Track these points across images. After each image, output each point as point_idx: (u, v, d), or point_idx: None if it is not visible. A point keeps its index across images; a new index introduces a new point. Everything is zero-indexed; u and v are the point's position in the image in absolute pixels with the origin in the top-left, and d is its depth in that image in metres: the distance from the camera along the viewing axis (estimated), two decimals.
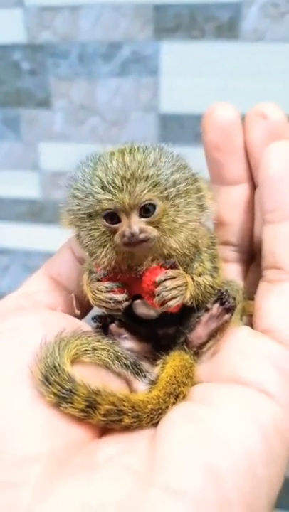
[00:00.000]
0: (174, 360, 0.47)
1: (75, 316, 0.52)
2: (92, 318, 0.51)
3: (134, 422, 0.40)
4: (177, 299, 0.46)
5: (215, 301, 0.49)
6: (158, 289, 0.45)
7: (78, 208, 0.47)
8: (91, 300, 0.48)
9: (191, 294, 0.47)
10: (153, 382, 0.46)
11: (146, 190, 0.44)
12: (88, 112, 1.23)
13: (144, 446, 0.39)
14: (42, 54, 1.21)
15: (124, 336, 0.50)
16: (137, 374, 0.45)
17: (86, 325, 0.49)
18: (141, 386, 0.45)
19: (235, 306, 0.48)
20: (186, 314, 0.50)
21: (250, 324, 0.49)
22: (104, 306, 0.47)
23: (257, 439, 0.38)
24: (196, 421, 0.39)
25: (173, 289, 0.45)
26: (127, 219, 0.44)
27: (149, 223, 0.45)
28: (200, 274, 0.49)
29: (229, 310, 0.48)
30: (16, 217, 1.42)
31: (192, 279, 0.48)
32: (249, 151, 0.52)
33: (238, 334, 0.47)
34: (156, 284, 0.46)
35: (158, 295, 0.45)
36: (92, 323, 0.51)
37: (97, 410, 0.39)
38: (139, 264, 0.47)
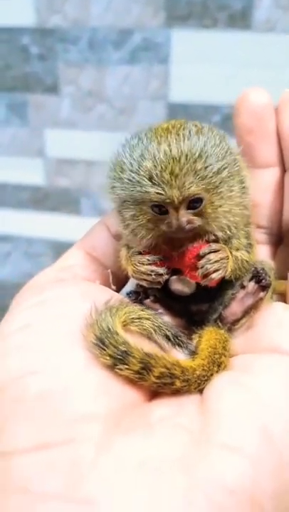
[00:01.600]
0: (210, 334, 0.48)
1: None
2: (128, 294, 0.52)
3: (184, 386, 0.41)
4: (220, 272, 0.47)
5: (251, 279, 0.50)
6: (202, 261, 0.47)
7: (123, 192, 0.47)
8: (131, 273, 0.49)
9: (231, 268, 0.48)
10: (193, 353, 0.46)
11: (194, 186, 0.45)
12: (96, 99, 1.23)
13: (194, 409, 0.40)
14: (51, 39, 1.20)
15: (160, 310, 0.51)
16: (178, 345, 0.47)
17: (125, 298, 0.50)
18: (179, 357, 0.46)
19: (270, 284, 0.49)
20: (219, 291, 0.51)
21: (281, 302, 0.50)
22: (145, 279, 0.48)
23: None
24: (243, 387, 0.41)
25: (216, 261, 0.47)
26: (174, 212, 0.46)
27: (196, 214, 0.46)
28: (237, 249, 0.50)
29: (264, 288, 0.49)
30: (19, 203, 1.42)
31: (230, 253, 0.49)
32: (281, 135, 0.54)
33: (274, 309, 0.48)
34: (200, 257, 0.47)
35: (201, 267, 0.46)
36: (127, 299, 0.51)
37: (151, 372, 0.40)
38: (180, 246, 0.48)
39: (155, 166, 0.45)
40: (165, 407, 0.40)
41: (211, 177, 0.45)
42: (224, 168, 0.46)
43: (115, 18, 1.15)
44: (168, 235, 0.47)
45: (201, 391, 0.43)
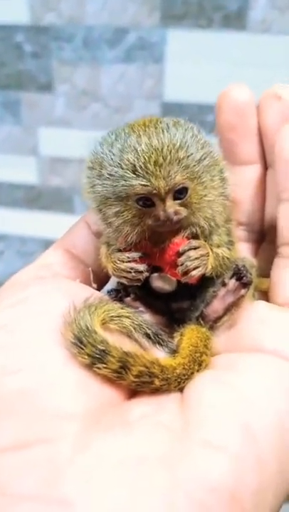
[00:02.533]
0: (192, 333, 0.48)
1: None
2: (108, 292, 0.51)
3: (164, 385, 0.41)
4: (200, 269, 0.47)
5: (232, 276, 0.49)
6: (182, 258, 0.46)
7: (105, 189, 0.47)
8: (111, 271, 0.49)
9: (211, 265, 0.48)
10: (174, 352, 0.46)
11: (179, 175, 0.45)
12: (91, 98, 1.22)
13: (174, 408, 0.40)
14: (46, 37, 1.19)
15: (140, 308, 0.50)
16: (159, 343, 0.46)
17: (105, 296, 0.50)
18: (159, 355, 0.46)
19: (251, 281, 0.49)
20: (200, 288, 0.51)
21: (264, 300, 0.50)
22: (124, 277, 0.48)
23: (285, 402, 0.40)
24: (225, 385, 0.41)
25: (196, 258, 0.46)
26: (161, 203, 0.45)
27: (181, 205, 0.46)
28: (218, 246, 0.50)
29: (246, 285, 0.49)
30: (13, 202, 1.41)
31: (211, 250, 0.49)
32: (263, 131, 0.53)
33: (256, 307, 0.48)
34: (180, 254, 0.46)
35: (181, 265, 0.46)
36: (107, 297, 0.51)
37: (130, 371, 0.40)
38: (164, 241, 0.47)
39: (138, 157, 0.44)
40: (145, 405, 0.40)
41: (194, 166, 0.45)
42: (205, 158, 0.46)
43: (111, 17, 1.14)
44: (153, 230, 0.46)
45: (181, 390, 0.43)
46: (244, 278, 0.49)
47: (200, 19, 1.10)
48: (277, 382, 0.41)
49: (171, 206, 0.45)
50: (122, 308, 0.46)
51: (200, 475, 0.34)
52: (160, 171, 0.44)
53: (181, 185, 0.45)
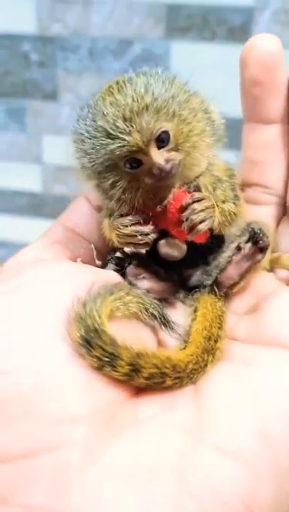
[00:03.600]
0: (206, 308, 0.46)
1: (96, 267, 0.50)
2: (110, 259, 0.49)
3: (176, 384, 0.40)
4: (206, 223, 0.43)
5: (248, 240, 0.47)
6: (186, 213, 0.43)
7: (93, 163, 0.45)
8: (116, 239, 0.46)
9: (218, 220, 0.45)
10: (182, 336, 0.44)
11: (152, 120, 0.42)
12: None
13: (187, 404, 0.38)
14: (52, 46, 1.21)
15: (143, 275, 0.48)
16: (164, 325, 0.44)
17: (109, 272, 0.47)
18: (166, 339, 0.44)
19: (268, 245, 0.47)
20: (211, 253, 0.49)
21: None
22: (131, 242, 0.45)
23: None
24: (242, 382, 0.39)
25: (202, 211, 0.43)
26: (147, 157, 0.42)
27: (170, 150, 0.43)
28: (223, 201, 0.46)
29: (262, 249, 0.47)
30: (16, 209, 1.42)
31: (216, 205, 0.46)
32: None
33: (280, 296, 0.45)
34: (184, 209, 0.43)
35: (186, 220, 0.43)
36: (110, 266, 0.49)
37: (140, 373, 0.38)
38: (166, 196, 0.45)
39: (107, 120, 0.42)
40: (155, 403, 0.38)
41: (166, 106, 0.42)
42: (178, 94, 0.43)
43: (116, 28, 1.16)
44: (157, 187, 0.44)
45: (195, 381, 0.41)
46: (261, 242, 0.46)
47: (204, 32, 1.11)
48: None
49: (159, 155, 0.42)
50: (128, 293, 0.43)
51: (213, 486, 0.32)
52: (132, 125, 0.41)
53: (159, 131, 0.42)
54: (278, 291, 0.46)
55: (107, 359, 0.37)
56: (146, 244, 0.44)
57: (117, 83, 0.44)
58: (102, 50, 1.18)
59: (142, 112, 0.41)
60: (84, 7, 1.16)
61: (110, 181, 0.45)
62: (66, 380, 0.37)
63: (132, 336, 0.40)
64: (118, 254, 0.49)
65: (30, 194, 1.38)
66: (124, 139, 0.41)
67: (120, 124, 0.41)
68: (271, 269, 0.50)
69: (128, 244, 0.45)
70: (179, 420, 0.36)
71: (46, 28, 1.20)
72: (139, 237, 0.44)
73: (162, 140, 0.42)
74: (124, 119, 0.41)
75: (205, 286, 0.49)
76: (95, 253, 0.50)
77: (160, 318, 0.43)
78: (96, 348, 0.37)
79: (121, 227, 0.45)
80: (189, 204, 0.43)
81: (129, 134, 0.41)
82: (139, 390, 0.40)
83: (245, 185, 0.51)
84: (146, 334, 0.43)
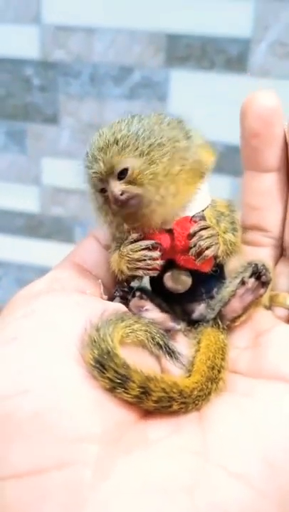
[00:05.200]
0: (209, 340, 0.47)
1: None
2: (115, 291, 0.50)
3: (181, 408, 0.41)
4: (213, 248, 0.46)
5: (251, 275, 0.49)
6: (194, 239, 0.46)
7: (88, 186, 0.49)
8: (125, 265, 0.47)
9: (222, 248, 0.48)
10: (185, 365, 0.46)
11: (116, 155, 0.45)
12: (95, 131, 1.26)
13: (192, 430, 0.39)
14: (54, 71, 1.24)
15: (146, 307, 0.49)
16: (169, 354, 0.45)
17: (116, 304, 0.48)
18: (170, 366, 0.45)
19: (270, 280, 0.49)
20: (214, 288, 0.51)
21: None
22: (139, 267, 0.47)
23: None
24: (244, 413, 0.40)
25: (208, 238, 0.46)
26: (109, 186, 0.46)
27: (129, 183, 0.46)
28: (224, 232, 0.49)
29: (264, 284, 0.49)
30: (13, 229, 1.43)
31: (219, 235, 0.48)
32: None
33: (278, 331, 0.47)
34: (192, 236, 0.46)
35: (194, 246, 0.46)
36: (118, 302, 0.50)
37: (150, 396, 0.39)
38: (149, 224, 0.47)
39: (92, 148, 0.47)
40: (162, 426, 0.40)
41: (136, 144, 0.46)
42: (154, 137, 0.46)
43: (117, 56, 1.19)
44: (124, 212, 0.47)
45: (199, 408, 0.42)
46: (264, 277, 0.49)
47: (202, 61, 1.14)
48: None
49: (116, 186, 0.45)
50: (136, 322, 0.45)
51: (220, 506, 0.34)
52: (100, 156, 0.45)
53: (120, 165, 0.46)
54: (276, 327, 0.48)
55: (119, 381, 0.39)
56: (154, 269, 0.47)
57: (118, 120, 0.48)
58: (103, 76, 1.21)
59: (111, 146, 0.45)
60: (86, 34, 1.19)
61: (98, 205, 0.49)
62: (79, 400, 0.38)
63: (139, 362, 0.41)
64: (122, 286, 0.50)
65: (28, 215, 1.40)
66: (92, 166, 0.46)
67: (96, 153, 0.46)
68: (269, 307, 0.52)
69: (137, 269, 0.47)
70: (185, 443, 0.37)
71: (49, 53, 1.23)
72: (148, 262, 0.46)
73: (123, 173, 0.46)
74: (99, 149, 0.46)
75: (208, 320, 0.51)
76: (102, 288, 0.51)
77: (165, 348, 0.45)
78: (109, 370, 0.39)
79: (130, 252, 0.47)
80: (196, 231, 0.46)
81: (97, 162, 0.46)
82: (146, 414, 0.41)
83: (245, 228, 0.54)
84: (151, 362, 0.45)
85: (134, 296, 0.50)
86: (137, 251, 0.47)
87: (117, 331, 0.42)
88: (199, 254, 0.46)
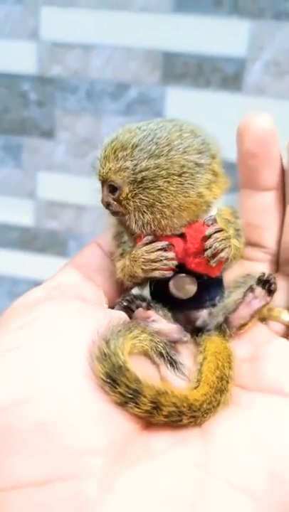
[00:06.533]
0: (217, 347, 0.47)
1: None
2: (118, 303, 0.50)
3: (191, 422, 0.40)
4: (227, 250, 0.46)
5: (258, 283, 0.50)
6: (209, 241, 0.46)
7: None
8: (140, 268, 0.47)
9: (232, 251, 0.48)
10: (195, 378, 0.46)
11: (112, 171, 0.46)
12: (91, 146, 1.26)
13: (194, 442, 0.39)
14: (51, 87, 1.25)
15: (153, 318, 0.49)
16: (171, 365, 0.45)
17: (119, 313, 0.48)
18: (170, 377, 0.45)
19: (276, 290, 0.50)
20: (217, 296, 0.51)
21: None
22: (155, 268, 0.46)
23: None
24: (248, 425, 0.40)
25: (223, 240, 0.46)
26: (102, 190, 0.49)
27: (116, 200, 0.47)
28: (232, 237, 0.50)
29: (271, 292, 0.50)
30: (7, 243, 1.42)
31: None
32: None
33: (277, 345, 0.48)
34: (207, 238, 0.46)
35: (210, 247, 0.45)
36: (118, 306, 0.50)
37: (161, 411, 0.39)
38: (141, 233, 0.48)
39: (104, 145, 0.48)
40: (165, 438, 0.39)
41: (134, 171, 0.45)
42: (152, 168, 0.45)
43: (114, 72, 1.20)
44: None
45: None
46: (273, 285, 0.50)
47: (199, 79, 1.15)
48: None
49: (105, 196, 0.48)
50: (143, 331, 0.44)
51: None
52: (101, 162, 0.47)
53: (111, 182, 0.47)
54: (274, 341, 0.49)
55: (130, 396, 0.38)
56: (170, 269, 0.47)
57: (137, 126, 0.48)
58: (99, 93, 1.22)
59: (112, 160, 0.47)
60: (84, 51, 1.20)
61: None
62: (85, 411, 0.37)
63: (142, 371, 0.41)
64: (126, 297, 0.50)
65: (23, 228, 1.39)
66: (96, 167, 0.49)
67: (101, 156, 0.48)
68: (264, 321, 0.54)
69: (153, 270, 0.47)
70: (189, 455, 0.37)
71: (46, 69, 1.23)
72: (165, 262, 0.46)
73: (113, 189, 0.47)
74: (104, 156, 0.47)
75: (209, 329, 0.51)
76: (103, 297, 0.51)
77: (167, 357, 0.45)
78: (121, 385, 0.38)
79: (145, 254, 0.47)
80: (212, 233, 0.46)
81: (98, 166, 0.48)
82: (149, 425, 0.40)
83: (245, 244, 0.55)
84: (152, 370, 0.45)
85: (138, 306, 0.49)
86: (152, 252, 0.47)
87: (126, 343, 0.41)
88: (214, 256, 0.46)
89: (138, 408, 0.38)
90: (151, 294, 0.51)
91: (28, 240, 1.40)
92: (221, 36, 1.12)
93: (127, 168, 0.46)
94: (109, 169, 0.46)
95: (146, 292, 0.52)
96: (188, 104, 1.16)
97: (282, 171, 0.55)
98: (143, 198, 0.46)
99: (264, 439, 0.39)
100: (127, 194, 0.46)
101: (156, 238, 0.47)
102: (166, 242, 0.47)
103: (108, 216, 0.51)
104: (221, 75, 1.14)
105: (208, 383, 0.44)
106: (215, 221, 0.48)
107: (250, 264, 0.56)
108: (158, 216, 0.46)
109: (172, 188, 0.46)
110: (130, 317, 0.49)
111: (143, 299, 0.50)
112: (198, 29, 1.13)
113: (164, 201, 0.46)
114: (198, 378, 0.45)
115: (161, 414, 0.39)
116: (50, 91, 1.25)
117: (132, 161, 0.46)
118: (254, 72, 1.13)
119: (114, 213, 0.48)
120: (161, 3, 1.13)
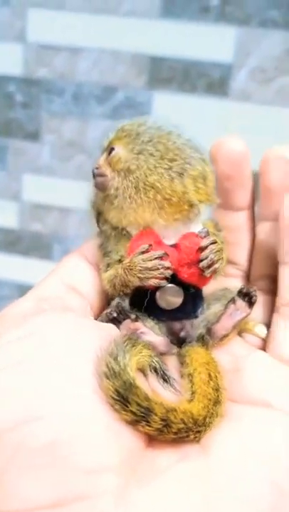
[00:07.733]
0: (204, 358, 0.48)
1: None
2: (108, 313, 0.49)
3: (196, 437, 0.40)
4: (221, 262, 0.48)
5: (240, 295, 0.51)
6: (205, 252, 0.47)
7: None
8: (136, 276, 0.46)
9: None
10: (190, 390, 0.45)
11: (114, 137, 0.50)
12: (76, 149, 1.26)
13: (196, 456, 0.39)
14: (37, 89, 1.24)
15: (142, 330, 0.48)
16: (164, 380, 0.45)
17: (109, 325, 0.47)
18: (157, 385, 0.44)
19: (255, 302, 0.51)
20: (199, 307, 0.52)
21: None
22: (153, 277, 0.46)
23: None
24: (243, 437, 0.41)
25: (218, 251, 0.47)
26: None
27: (108, 163, 0.50)
28: None
29: (251, 304, 0.51)
30: None
31: None
32: (266, 191, 0.55)
33: (258, 357, 0.49)
34: (203, 249, 0.47)
35: (206, 258, 0.46)
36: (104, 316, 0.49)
37: (170, 429, 0.38)
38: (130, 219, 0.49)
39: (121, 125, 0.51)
40: (169, 453, 0.39)
41: (134, 141, 0.49)
42: (151, 143, 0.48)
43: (100, 76, 1.20)
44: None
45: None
46: (253, 298, 0.50)
47: (185, 84, 1.16)
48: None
49: (100, 159, 0.50)
50: (144, 347, 0.44)
51: None
52: (113, 133, 0.51)
53: (113, 146, 0.49)
54: (253, 354, 0.50)
55: (142, 414, 0.38)
56: (166, 278, 0.47)
57: (164, 128, 0.51)
58: (86, 96, 1.22)
59: (122, 136, 0.50)
60: (71, 54, 1.20)
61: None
62: (95, 428, 0.37)
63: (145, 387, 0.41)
64: (112, 309, 0.49)
65: (7, 230, 1.38)
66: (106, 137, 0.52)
67: (117, 129, 0.51)
68: (239, 334, 0.54)
69: (149, 278, 0.47)
70: (193, 470, 0.37)
71: (33, 71, 1.23)
72: (162, 271, 0.46)
73: (110, 152, 0.50)
74: (117, 129, 0.51)
75: (190, 341, 0.51)
76: (88, 308, 0.50)
77: (160, 373, 0.45)
78: (132, 404, 0.38)
79: (142, 262, 0.47)
80: (208, 245, 0.47)
81: (107, 137, 0.51)
82: (151, 440, 0.40)
83: None
84: (146, 385, 0.44)
85: (124, 318, 0.49)
86: (150, 260, 0.46)
87: (132, 359, 0.41)
88: (210, 266, 0.47)
89: (149, 426, 0.38)
90: (131, 304, 0.50)
91: (12, 243, 1.39)
92: (208, 42, 1.13)
93: (131, 141, 0.49)
94: (116, 138, 0.50)
95: (126, 303, 0.51)
96: (174, 109, 1.17)
97: (253, 191, 0.57)
98: (132, 166, 0.48)
99: (263, 451, 0.40)
100: (123, 155, 0.49)
101: (150, 247, 0.47)
102: (163, 251, 0.47)
103: (93, 222, 0.51)
104: (207, 80, 1.15)
105: (204, 395, 0.43)
106: (208, 233, 0.49)
107: (225, 279, 0.56)
108: (142, 195, 0.48)
109: (160, 170, 0.47)
110: (118, 328, 0.48)
111: (129, 311, 0.49)
112: (185, 34, 1.14)
113: (149, 179, 0.47)
114: (192, 390, 0.45)
115: (170, 432, 0.38)
116: (36, 93, 1.25)
117: (135, 139, 0.49)
118: (240, 78, 1.14)
119: (99, 176, 0.50)
120: (149, 8, 1.14)
